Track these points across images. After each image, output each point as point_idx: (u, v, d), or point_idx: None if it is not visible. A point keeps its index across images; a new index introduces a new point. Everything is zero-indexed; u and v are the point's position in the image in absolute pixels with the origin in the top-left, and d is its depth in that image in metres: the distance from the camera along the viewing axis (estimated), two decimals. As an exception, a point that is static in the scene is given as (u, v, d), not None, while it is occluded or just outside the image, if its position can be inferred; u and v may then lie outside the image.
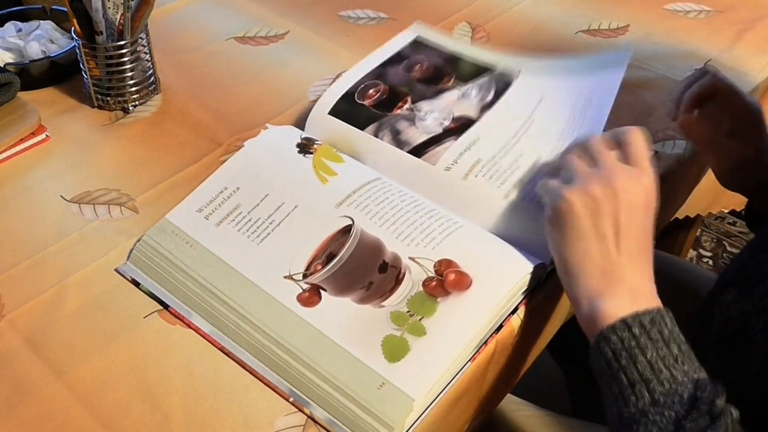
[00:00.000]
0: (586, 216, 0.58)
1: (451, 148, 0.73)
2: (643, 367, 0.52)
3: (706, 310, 0.64)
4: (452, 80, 0.81)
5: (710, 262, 1.76)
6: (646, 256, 0.58)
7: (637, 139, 0.61)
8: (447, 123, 0.75)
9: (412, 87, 0.80)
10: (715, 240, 1.81)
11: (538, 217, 0.64)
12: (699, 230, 1.79)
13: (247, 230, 0.68)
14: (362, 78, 0.81)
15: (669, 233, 1.40)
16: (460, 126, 0.75)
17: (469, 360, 0.60)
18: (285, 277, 0.64)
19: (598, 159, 0.60)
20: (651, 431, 0.50)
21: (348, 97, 0.79)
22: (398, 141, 0.74)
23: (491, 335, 0.62)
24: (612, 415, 0.54)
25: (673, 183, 0.84)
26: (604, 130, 0.69)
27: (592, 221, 0.58)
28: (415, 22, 0.91)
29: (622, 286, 0.56)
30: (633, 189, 0.58)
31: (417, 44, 0.87)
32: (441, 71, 0.82)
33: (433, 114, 0.76)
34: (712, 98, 0.74)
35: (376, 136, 0.75)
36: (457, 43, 0.89)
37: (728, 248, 1.79)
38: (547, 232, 0.61)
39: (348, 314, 0.61)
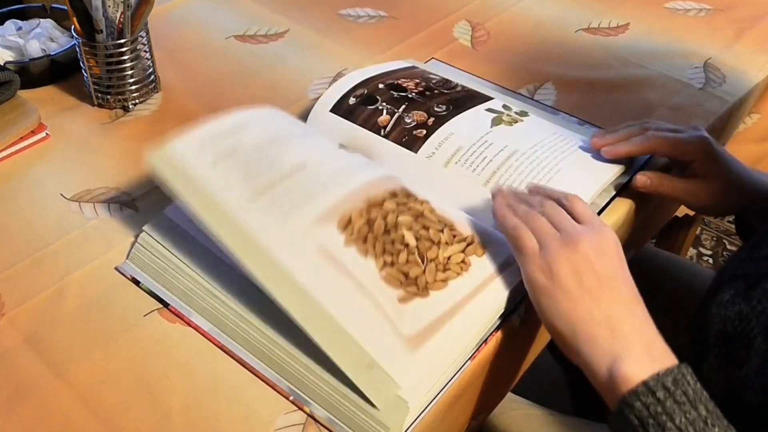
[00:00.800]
0: (574, 286, 0.57)
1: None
2: None
3: (704, 309, 0.64)
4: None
5: (710, 261, 1.76)
6: (638, 300, 0.58)
7: (578, 202, 0.63)
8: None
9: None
10: (715, 238, 1.81)
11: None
12: (699, 228, 1.79)
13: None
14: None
15: (669, 232, 1.40)
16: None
17: (468, 359, 0.60)
18: None
19: (560, 224, 0.61)
20: None
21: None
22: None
23: (491, 335, 0.62)
24: None
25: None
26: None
27: (581, 289, 0.57)
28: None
29: (634, 341, 0.56)
30: (600, 244, 0.59)
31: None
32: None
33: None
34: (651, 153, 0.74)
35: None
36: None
37: (728, 246, 1.79)
38: (538, 304, 0.59)
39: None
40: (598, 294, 0.57)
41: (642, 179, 0.73)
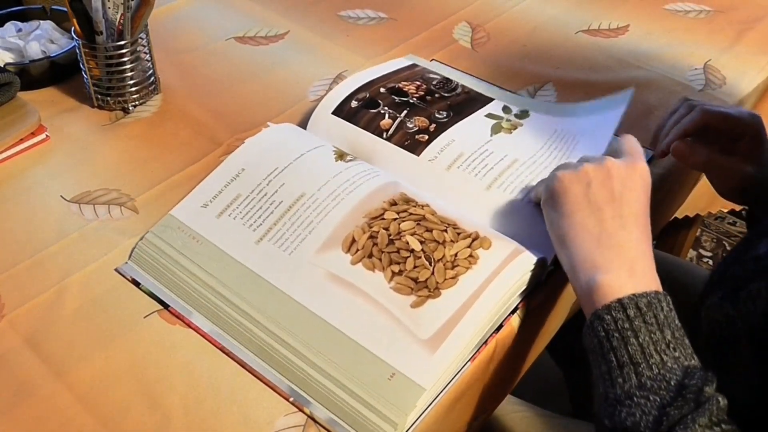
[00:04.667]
0: (579, 189, 0.60)
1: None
2: (634, 350, 0.52)
3: (695, 312, 0.64)
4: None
5: (710, 262, 1.76)
6: (643, 230, 0.59)
7: (630, 139, 0.65)
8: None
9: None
10: (715, 240, 1.81)
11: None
12: (699, 230, 1.79)
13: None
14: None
15: (669, 233, 1.40)
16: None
17: (468, 360, 0.60)
18: None
19: (594, 158, 0.64)
20: (634, 414, 0.50)
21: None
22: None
23: (491, 335, 0.62)
24: (599, 394, 0.54)
25: (673, 182, 0.84)
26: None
27: (584, 193, 0.60)
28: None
29: (618, 256, 0.56)
30: (625, 169, 0.61)
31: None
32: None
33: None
34: (704, 128, 0.73)
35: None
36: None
37: (728, 248, 1.79)
38: (545, 214, 0.63)
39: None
40: (600, 206, 0.59)
41: (680, 146, 0.71)
